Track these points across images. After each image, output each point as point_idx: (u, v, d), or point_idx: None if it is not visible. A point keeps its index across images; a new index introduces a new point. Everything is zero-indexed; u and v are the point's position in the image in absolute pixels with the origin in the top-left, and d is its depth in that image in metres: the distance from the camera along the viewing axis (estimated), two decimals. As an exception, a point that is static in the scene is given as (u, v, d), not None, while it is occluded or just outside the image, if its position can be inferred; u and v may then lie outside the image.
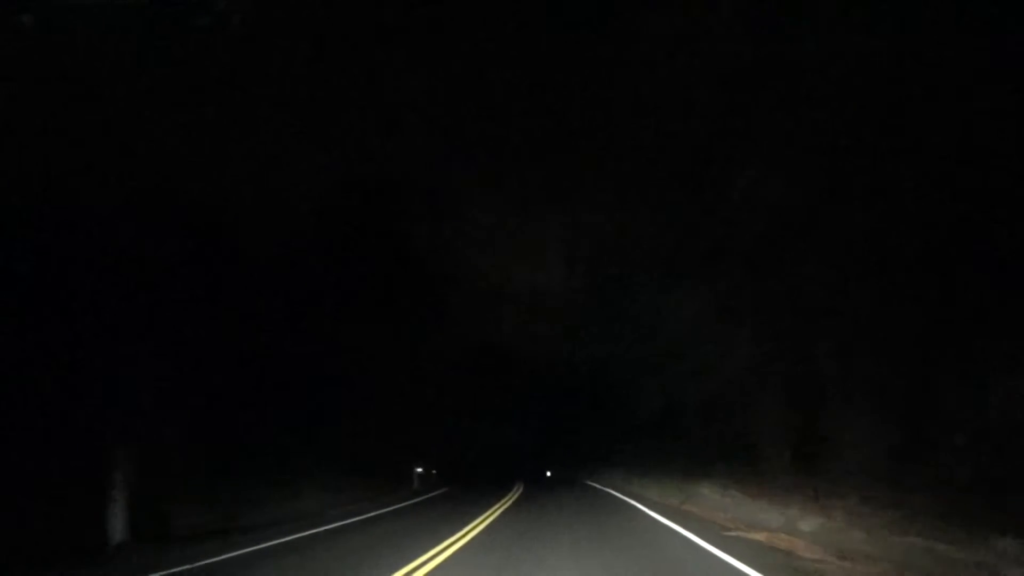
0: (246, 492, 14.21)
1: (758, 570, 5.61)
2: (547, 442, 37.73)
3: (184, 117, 8.16)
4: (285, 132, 9.28)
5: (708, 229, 9.10)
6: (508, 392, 35.86)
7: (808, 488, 8.46)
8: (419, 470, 27.05)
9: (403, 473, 26.19)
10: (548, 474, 39.54)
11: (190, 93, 7.73)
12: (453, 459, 38.52)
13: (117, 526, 8.74)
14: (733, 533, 8.20)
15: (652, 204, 9.25)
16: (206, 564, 7.19)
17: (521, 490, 21.52)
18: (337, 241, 16.96)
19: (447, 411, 34.64)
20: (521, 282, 13.32)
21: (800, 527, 7.17)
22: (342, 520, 12.44)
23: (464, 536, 8.71)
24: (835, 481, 8.24)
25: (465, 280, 17.90)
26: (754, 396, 12.20)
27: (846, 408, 7.61)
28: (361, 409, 23.09)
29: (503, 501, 15.46)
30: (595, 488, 20.40)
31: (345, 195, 13.44)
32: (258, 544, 8.71)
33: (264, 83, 7.95)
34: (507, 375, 32.98)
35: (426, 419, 31.88)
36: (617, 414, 24.59)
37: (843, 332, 7.50)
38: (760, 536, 7.73)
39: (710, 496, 11.51)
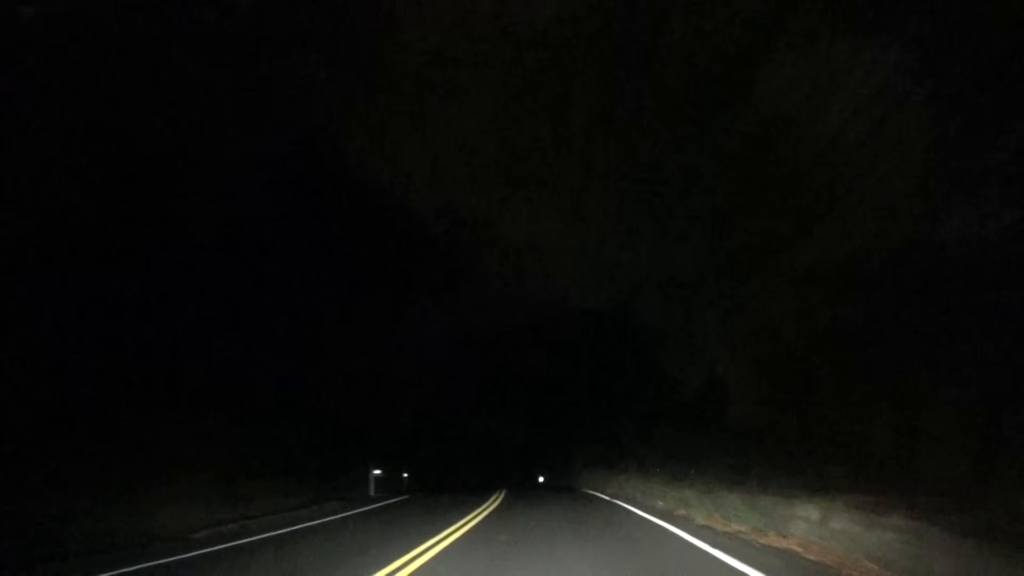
0: (77, 500, 8.99)
1: None
2: (543, 440, 32.05)
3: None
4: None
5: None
6: (496, 379, 30.11)
7: None
8: (377, 472, 21.64)
9: (356, 476, 20.85)
10: (541, 479, 34.09)
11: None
12: (430, 460, 33.13)
13: None
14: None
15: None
16: None
17: (501, 497, 16.16)
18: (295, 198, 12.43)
19: (419, 403, 29.05)
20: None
21: None
22: (188, 551, 7.66)
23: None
24: None
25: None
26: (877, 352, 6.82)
27: None
28: (298, 395, 17.71)
29: (471, 516, 10.13)
30: (606, 502, 14.93)
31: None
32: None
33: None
34: (494, 357, 27.38)
35: (392, 413, 26.35)
36: (631, 397, 19.18)
37: None
38: None
39: (828, 526, 6.16)
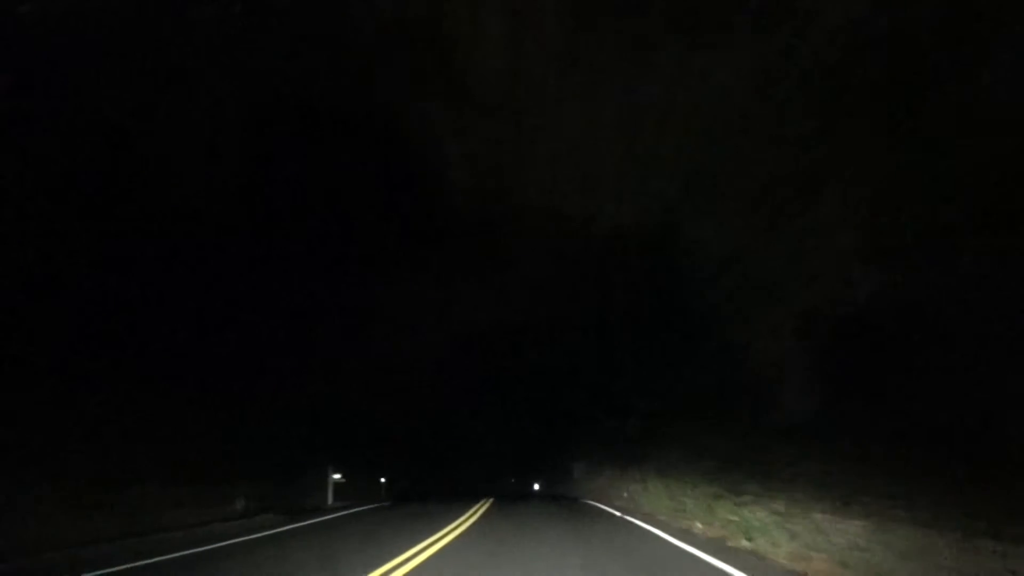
0: None
1: None
2: (538, 441, 28.40)
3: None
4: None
5: None
6: (495, 379, 26.34)
7: None
8: (336, 477, 18.05)
9: (313, 482, 17.30)
10: (536, 487, 30.51)
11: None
12: (417, 465, 29.56)
13: None
14: None
15: None
16: None
17: (482, 511, 12.63)
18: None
19: (407, 404, 25.31)
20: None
21: None
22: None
23: None
24: None
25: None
26: None
27: None
28: (251, 386, 14.14)
29: (418, 549, 6.64)
30: (620, 521, 11.37)
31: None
32: None
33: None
34: (493, 357, 23.68)
35: (374, 413, 22.63)
36: (644, 390, 15.64)
37: None
38: None
39: None
